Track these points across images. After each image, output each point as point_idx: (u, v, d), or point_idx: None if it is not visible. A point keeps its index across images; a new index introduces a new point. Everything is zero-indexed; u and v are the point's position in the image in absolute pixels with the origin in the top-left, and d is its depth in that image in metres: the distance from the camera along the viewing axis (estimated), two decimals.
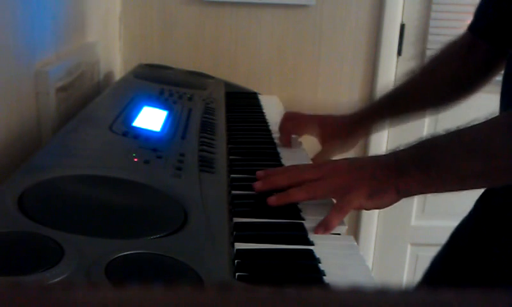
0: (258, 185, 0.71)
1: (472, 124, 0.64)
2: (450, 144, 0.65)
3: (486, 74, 0.88)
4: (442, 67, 0.91)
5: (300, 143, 1.00)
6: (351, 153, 1.22)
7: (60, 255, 0.43)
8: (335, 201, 0.68)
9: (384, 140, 1.71)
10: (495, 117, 0.64)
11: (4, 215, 0.50)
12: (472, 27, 0.87)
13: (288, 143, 0.97)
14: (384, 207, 0.67)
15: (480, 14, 0.85)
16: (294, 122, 1.00)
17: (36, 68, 0.87)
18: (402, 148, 0.67)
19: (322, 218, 0.65)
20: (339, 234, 0.65)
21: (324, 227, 0.64)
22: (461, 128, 0.64)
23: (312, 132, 0.99)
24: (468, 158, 0.62)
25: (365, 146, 1.70)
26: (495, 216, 0.78)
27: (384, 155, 0.69)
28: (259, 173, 0.74)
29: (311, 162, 0.91)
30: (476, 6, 0.86)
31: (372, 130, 1.02)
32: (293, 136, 0.99)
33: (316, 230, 0.64)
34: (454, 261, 0.86)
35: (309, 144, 0.98)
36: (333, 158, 1.02)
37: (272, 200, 0.67)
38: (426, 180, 0.64)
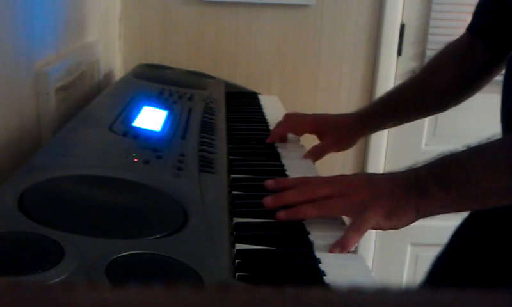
0: (268, 201, 0.66)
1: (492, 139, 0.61)
2: (472, 161, 0.62)
3: (486, 74, 0.88)
4: (442, 67, 0.91)
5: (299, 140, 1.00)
6: (350, 153, 1.22)
7: (60, 255, 0.43)
8: (346, 218, 0.65)
9: (384, 140, 1.71)
10: None
11: (4, 215, 0.50)
12: (471, 28, 0.87)
13: (278, 139, 0.96)
14: (401, 227, 0.62)
15: (479, 15, 0.85)
16: (294, 122, 1.00)
17: (36, 68, 0.87)
18: (420, 165, 0.64)
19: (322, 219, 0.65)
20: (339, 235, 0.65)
21: (341, 247, 0.60)
22: (482, 143, 0.61)
23: (311, 131, 0.99)
24: (492, 174, 0.60)
25: (365, 146, 1.70)
26: (495, 216, 0.78)
27: (402, 171, 0.65)
28: (268, 183, 0.70)
29: (310, 160, 0.90)
30: (475, 7, 0.86)
31: (372, 130, 1.02)
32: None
33: (332, 249, 0.60)
34: (455, 262, 0.86)
35: (309, 145, 0.98)
36: (332, 158, 1.02)
37: (282, 215, 0.64)
38: (448, 199, 0.61)
